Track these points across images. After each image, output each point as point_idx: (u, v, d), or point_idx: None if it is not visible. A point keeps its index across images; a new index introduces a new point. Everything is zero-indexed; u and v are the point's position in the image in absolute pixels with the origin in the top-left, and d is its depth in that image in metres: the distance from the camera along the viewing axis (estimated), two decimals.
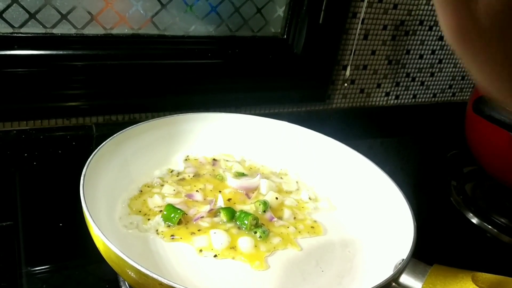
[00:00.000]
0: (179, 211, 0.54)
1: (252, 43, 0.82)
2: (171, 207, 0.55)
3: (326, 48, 0.86)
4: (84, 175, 0.51)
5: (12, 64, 0.64)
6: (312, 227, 0.59)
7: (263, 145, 0.71)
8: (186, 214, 0.55)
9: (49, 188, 0.68)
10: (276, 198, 0.61)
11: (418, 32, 0.97)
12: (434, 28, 0.98)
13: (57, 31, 0.67)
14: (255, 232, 0.54)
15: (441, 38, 1.01)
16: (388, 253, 0.52)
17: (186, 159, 0.67)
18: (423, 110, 1.09)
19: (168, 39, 0.75)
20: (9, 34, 0.64)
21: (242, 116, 0.71)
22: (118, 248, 0.42)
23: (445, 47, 1.03)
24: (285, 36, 0.84)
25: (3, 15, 0.63)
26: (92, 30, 0.69)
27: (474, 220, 0.75)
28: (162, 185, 0.61)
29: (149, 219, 0.55)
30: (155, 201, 0.58)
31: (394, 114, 1.05)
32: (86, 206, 0.46)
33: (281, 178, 0.67)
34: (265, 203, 0.59)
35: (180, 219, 0.54)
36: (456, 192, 0.81)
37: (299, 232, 0.57)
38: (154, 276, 0.40)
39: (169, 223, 0.54)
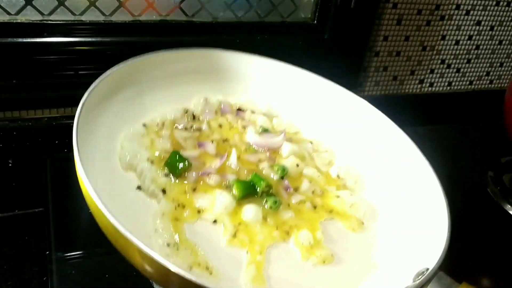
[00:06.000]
0: (185, 162, 0.48)
1: (281, 29, 0.80)
2: (176, 155, 0.48)
3: (357, 34, 0.83)
4: (82, 104, 0.45)
5: (42, 51, 0.65)
6: (332, 209, 0.51)
7: (301, 104, 0.64)
8: (191, 169, 0.48)
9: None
10: (297, 165, 0.53)
11: (454, 17, 0.93)
12: (471, 12, 0.94)
13: (85, 18, 0.67)
14: (266, 201, 0.49)
15: (478, 23, 0.97)
16: (413, 255, 0.46)
17: (206, 102, 0.59)
18: (458, 98, 1.05)
19: (196, 26, 0.74)
20: (39, 22, 0.64)
21: (290, 66, 0.65)
22: (96, 193, 0.37)
23: (482, 33, 0.99)
24: (315, 22, 0.82)
25: (33, 2, 0.63)
26: (120, 17, 0.69)
27: None
28: (173, 127, 0.54)
29: (152, 164, 0.49)
30: (163, 145, 0.51)
31: (428, 102, 1.02)
32: (77, 145, 0.41)
33: (311, 143, 0.60)
34: (283, 169, 0.52)
35: (184, 170, 0.48)
36: (494, 183, 0.78)
37: (316, 211, 0.50)
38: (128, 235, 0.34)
39: (171, 173, 0.48)
